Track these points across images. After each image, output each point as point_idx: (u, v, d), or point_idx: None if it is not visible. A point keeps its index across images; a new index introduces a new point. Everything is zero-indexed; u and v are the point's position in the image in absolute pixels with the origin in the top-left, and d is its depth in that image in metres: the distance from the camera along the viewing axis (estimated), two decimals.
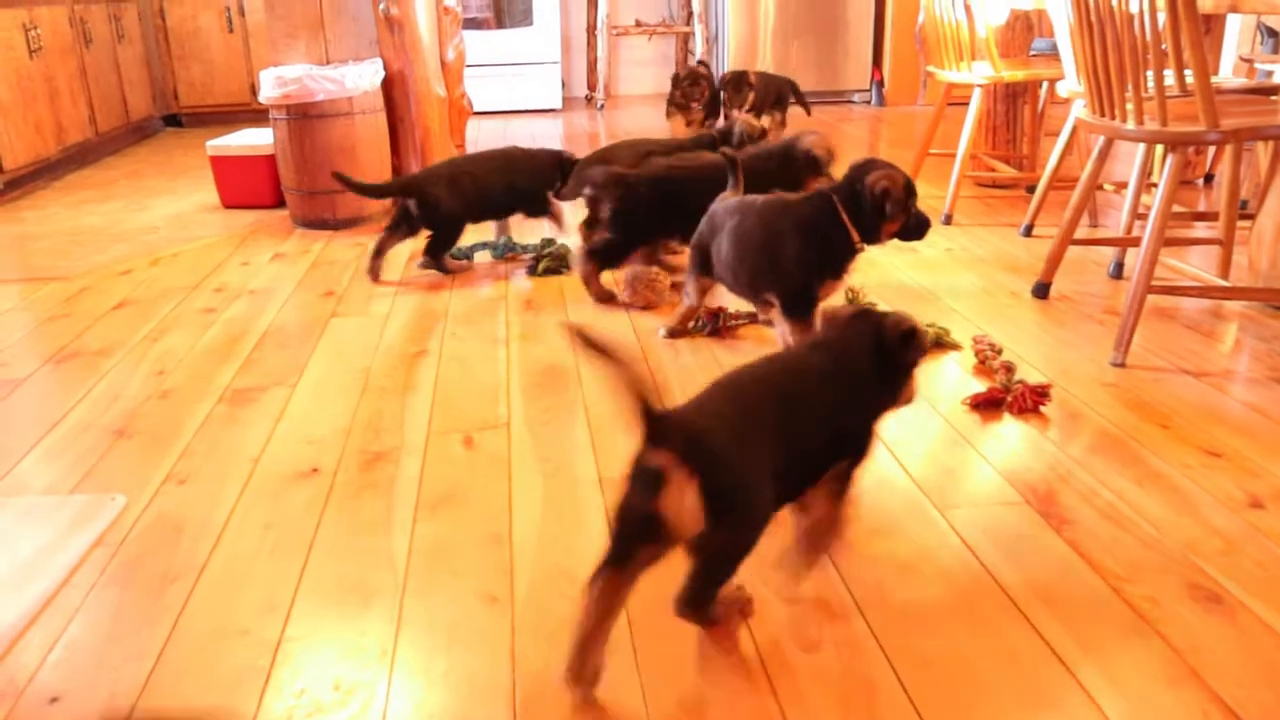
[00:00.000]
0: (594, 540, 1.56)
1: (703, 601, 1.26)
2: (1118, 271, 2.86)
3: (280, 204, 3.77)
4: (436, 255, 2.93)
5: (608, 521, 1.61)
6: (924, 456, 1.81)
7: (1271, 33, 3.86)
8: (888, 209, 2.02)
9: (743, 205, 2.16)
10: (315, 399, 2.11)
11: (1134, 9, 2.13)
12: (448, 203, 2.87)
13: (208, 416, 2.04)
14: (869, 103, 6.61)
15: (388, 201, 3.70)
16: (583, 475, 1.76)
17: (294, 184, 3.57)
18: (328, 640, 1.35)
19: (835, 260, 2.10)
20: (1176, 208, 3.36)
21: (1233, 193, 2.65)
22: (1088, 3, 2.24)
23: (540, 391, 2.11)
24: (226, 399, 2.12)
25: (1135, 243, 2.88)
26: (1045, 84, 3.95)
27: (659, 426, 1.17)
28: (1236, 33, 4.03)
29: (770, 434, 1.27)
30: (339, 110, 3.48)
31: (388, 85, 3.77)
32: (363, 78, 3.52)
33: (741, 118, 3.33)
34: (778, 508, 1.33)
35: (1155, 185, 3.14)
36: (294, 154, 3.51)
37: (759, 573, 1.45)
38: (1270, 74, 3.85)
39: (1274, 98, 2.70)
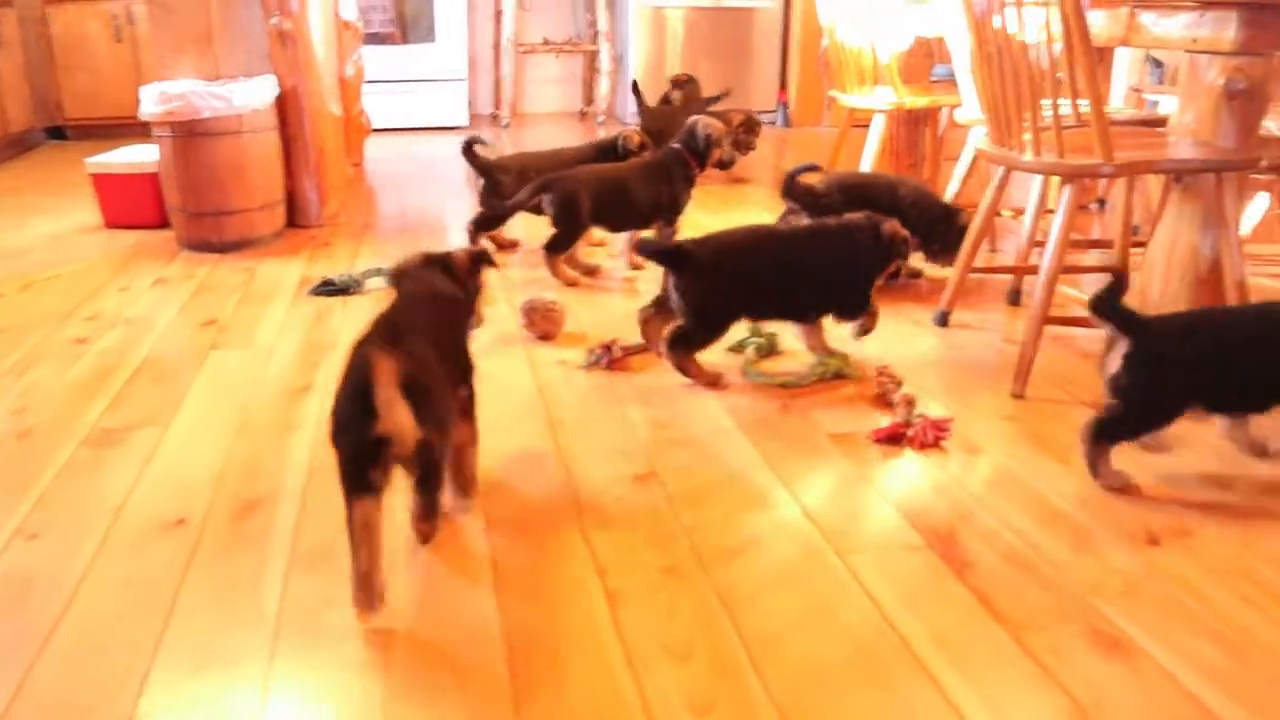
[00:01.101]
0: (480, 598, 1.47)
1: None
2: (1016, 299, 2.87)
3: (166, 224, 3.59)
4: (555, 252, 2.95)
5: (493, 574, 1.52)
6: (825, 496, 1.76)
7: (1158, 64, 3.97)
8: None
9: None
10: (188, 440, 1.98)
11: (1031, 40, 2.13)
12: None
13: (69, 461, 1.90)
14: (775, 123, 6.64)
15: (280, 223, 3.56)
16: (470, 521, 1.67)
17: (179, 204, 3.40)
18: (185, 716, 1.24)
19: None
20: (1073, 235, 3.41)
21: (1126, 221, 2.68)
22: (987, 34, 2.24)
23: None
24: (91, 440, 1.98)
25: (1032, 270, 2.89)
26: (945, 109, 4.00)
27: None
28: (1126, 64, 4.13)
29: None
30: (227, 128, 3.33)
31: (280, 102, 3.62)
32: (253, 94, 3.38)
33: (625, 133, 3.41)
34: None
35: (1052, 211, 3.17)
36: (179, 173, 3.35)
37: (654, 637, 1.38)
38: (1157, 104, 3.95)
39: (1161, 129, 2.75)
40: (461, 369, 1.68)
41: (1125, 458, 1.82)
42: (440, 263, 1.75)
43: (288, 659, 1.34)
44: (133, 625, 1.41)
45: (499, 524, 1.66)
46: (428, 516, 1.48)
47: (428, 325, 1.56)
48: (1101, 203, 4.12)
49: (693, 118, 3.12)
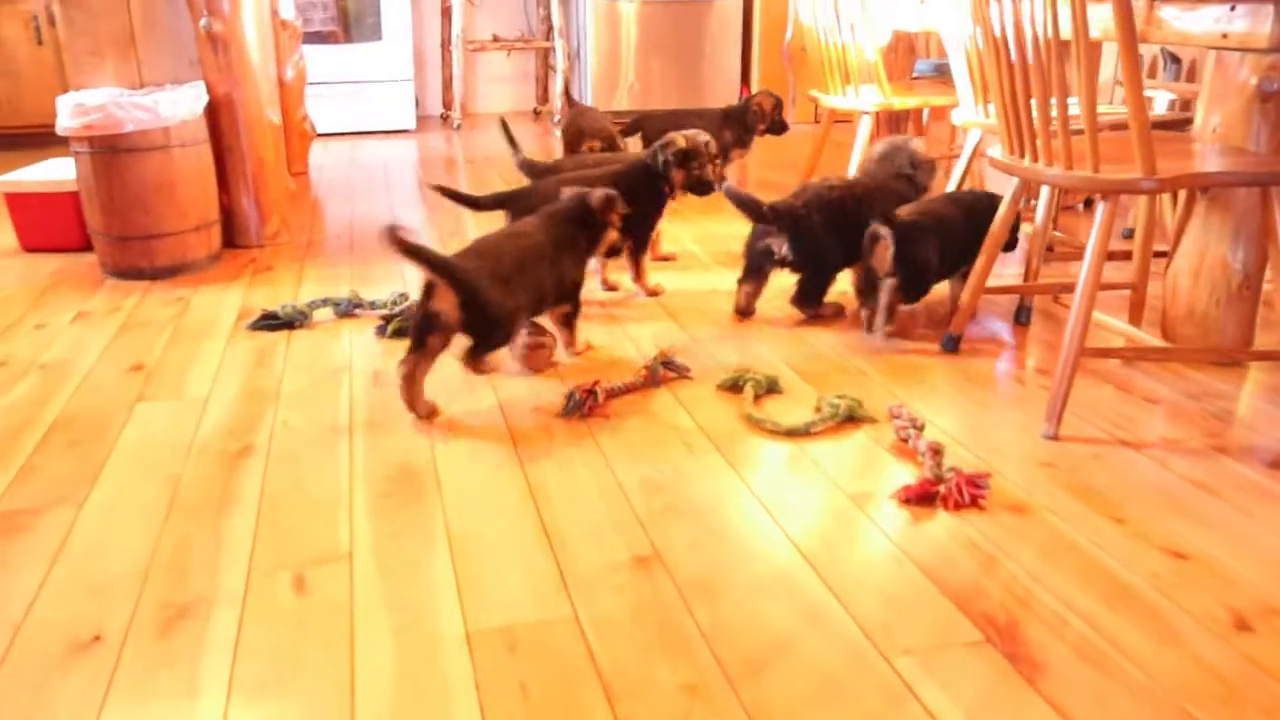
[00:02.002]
0: None
1: (481, 357, 2.08)
2: (1025, 317, 2.65)
3: (90, 246, 3.26)
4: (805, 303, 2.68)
5: (479, 697, 1.26)
6: (859, 579, 1.52)
7: (1175, 60, 3.78)
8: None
9: None
10: (106, 524, 1.68)
11: (1046, 32, 1.90)
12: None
13: None
14: None
15: (216, 245, 3.25)
16: (446, 629, 1.40)
17: (101, 228, 3.07)
18: None
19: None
20: (1069, 241, 3.20)
21: (1148, 236, 2.47)
22: (1005, 34, 2.00)
23: (391, 504, 1.73)
24: None
25: (1046, 290, 2.69)
26: (927, 108, 3.77)
27: (436, 266, 1.96)
28: (1113, 58, 3.94)
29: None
30: (153, 143, 3.01)
31: (212, 112, 3.31)
32: (181, 104, 3.06)
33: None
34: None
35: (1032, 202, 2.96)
36: (100, 193, 3.03)
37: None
38: (1151, 100, 3.76)
39: (1179, 132, 2.54)
40: (565, 287, 2.27)
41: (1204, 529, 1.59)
42: (579, 201, 2.31)
43: None
44: None
45: (481, 635, 1.39)
46: (474, 365, 2.08)
47: (516, 249, 2.14)
48: (1089, 203, 3.93)
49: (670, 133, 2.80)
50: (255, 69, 3.39)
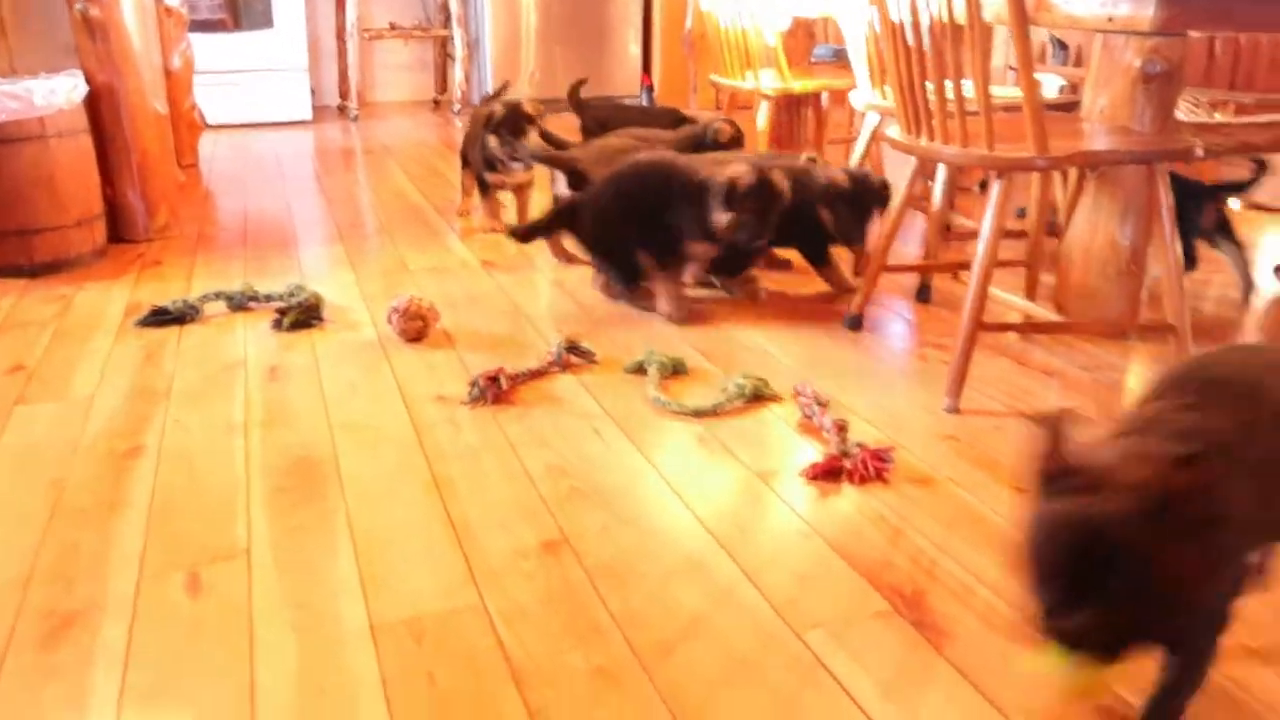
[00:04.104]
0: None
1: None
2: (925, 295, 2.70)
3: None
4: None
5: (385, 690, 1.22)
6: (768, 556, 1.52)
7: (1063, 45, 3.88)
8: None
9: None
10: None
11: (940, 16, 1.93)
12: None
13: None
14: None
15: (101, 240, 3.11)
16: (349, 624, 1.35)
17: None
18: None
19: None
20: (966, 222, 3.27)
21: (1042, 213, 2.53)
22: (900, 17, 2.03)
23: (289, 500, 1.67)
24: None
25: (946, 268, 2.74)
26: (826, 91, 3.81)
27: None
28: (1005, 44, 4.04)
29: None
30: (27, 133, 2.86)
31: (92, 101, 3.16)
32: (56, 93, 2.92)
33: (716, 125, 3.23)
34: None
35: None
36: None
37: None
38: (1040, 84, 3.85)
39: (1068, 114, 2.61)
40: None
41: None
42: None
43: None
44: None
45: (385, 628, 1.35)
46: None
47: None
48: (984, 185, 4.02)
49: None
50: (137, 56, 3.26)
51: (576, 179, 2.87)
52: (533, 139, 3.08)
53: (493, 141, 3.16)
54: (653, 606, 1.39)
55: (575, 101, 3.74)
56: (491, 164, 3.23)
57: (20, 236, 2.92)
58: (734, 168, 2.42)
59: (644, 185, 2.50)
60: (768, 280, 2.80)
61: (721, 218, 2.42)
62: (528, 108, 3.14)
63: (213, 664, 1.28)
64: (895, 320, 2.54)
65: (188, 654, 1.30)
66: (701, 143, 3.06)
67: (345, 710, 1.20)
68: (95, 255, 3.10)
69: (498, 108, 3.17)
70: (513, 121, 3.15)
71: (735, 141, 3.08)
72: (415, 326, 2.35)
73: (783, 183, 2.45)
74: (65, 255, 3.01)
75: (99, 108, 3.19)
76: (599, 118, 3.58)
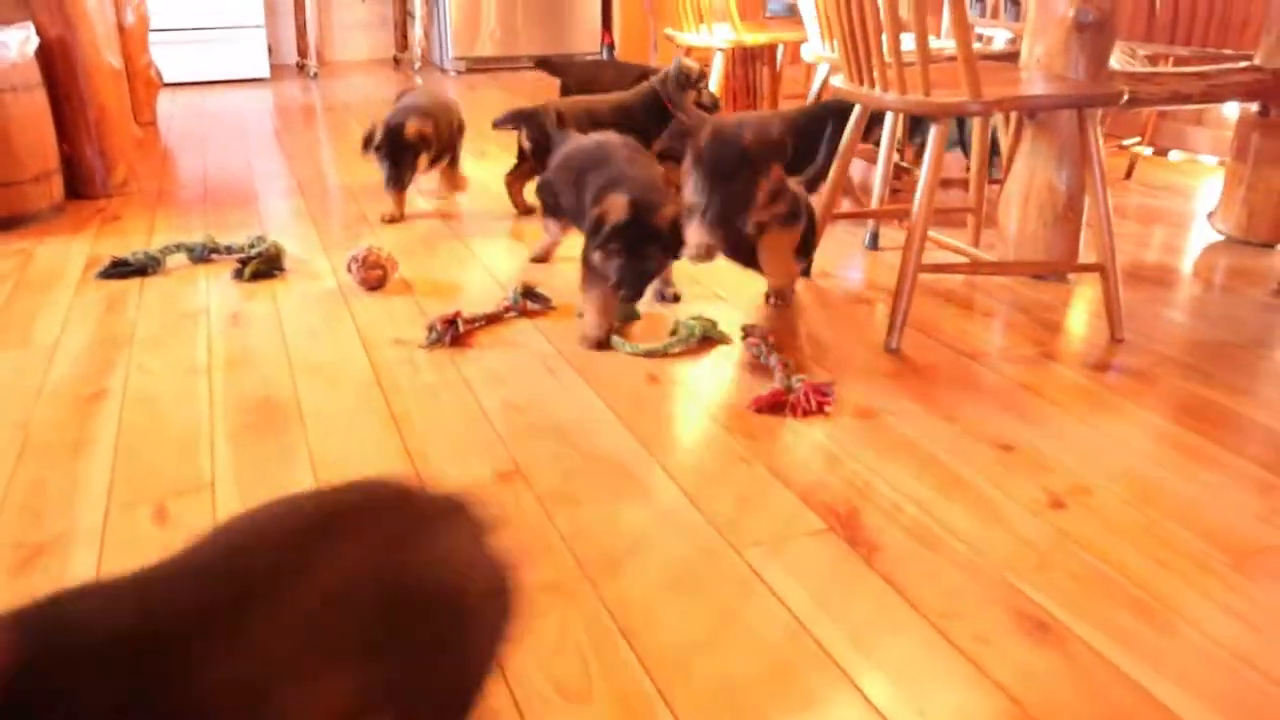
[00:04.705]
0: None
1: None
2: (873, 242, 2.78)
3: None
4: None
5: None
6: (711, 481, 1.60)
7: (1014, 1, 3.95)
8: None
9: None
10: None
11: None
12: None
13: None
14: None
15: (58, 195, 3.12)
16: None
17: None
18: None
19: None
20: (910, 168, 3.34)
21: (982, 161, 2.61)
22: None
23: (252, 436, 1.73)
24: None
25: (890, 215, 2.81)
26: (782, 46, 3.87)
27: None
28: None
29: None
30: None
31: (45, 55, 3.15)
32: (8, 47, 2.91)
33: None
34: None
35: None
36: None
37: (546, 677, 1.19)
38: (990, 39, 3.93)
39: (1006, 64, 2.68)
40: None
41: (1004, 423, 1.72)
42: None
43: None
44: None
45: None
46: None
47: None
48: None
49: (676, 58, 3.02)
50: (90, 9, 3.25)
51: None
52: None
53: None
54: (600, 527, 1.47)
55: (553, 64, 3.79)
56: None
57: None
58: (611, 199, 2.06)
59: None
60: None
61: (592, 252, 2.09)
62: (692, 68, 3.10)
63: None
64: (842, 266, 2.62)
65: None
66: (685, 84, 3.07)
67: None
68: (53, 211, 3.11)
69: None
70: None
71: (703, 76, 3.13)
72: (375, 275, 2.40)
73: (665, 220, 2.05)
74: (23, 211, 3.01)
75: (52, 62, 3.18)
76: (581, 78, 3.62)
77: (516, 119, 2.91)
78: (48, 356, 2.07)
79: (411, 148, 2.93)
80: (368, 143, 2.97)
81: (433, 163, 3.09)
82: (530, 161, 2.90)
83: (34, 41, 3.04)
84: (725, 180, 2.02)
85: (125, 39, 4.07)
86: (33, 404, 1.86)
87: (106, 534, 1.46)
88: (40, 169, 3.05)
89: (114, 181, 3.37)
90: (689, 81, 3.01)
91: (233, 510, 1.49)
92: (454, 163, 3.22)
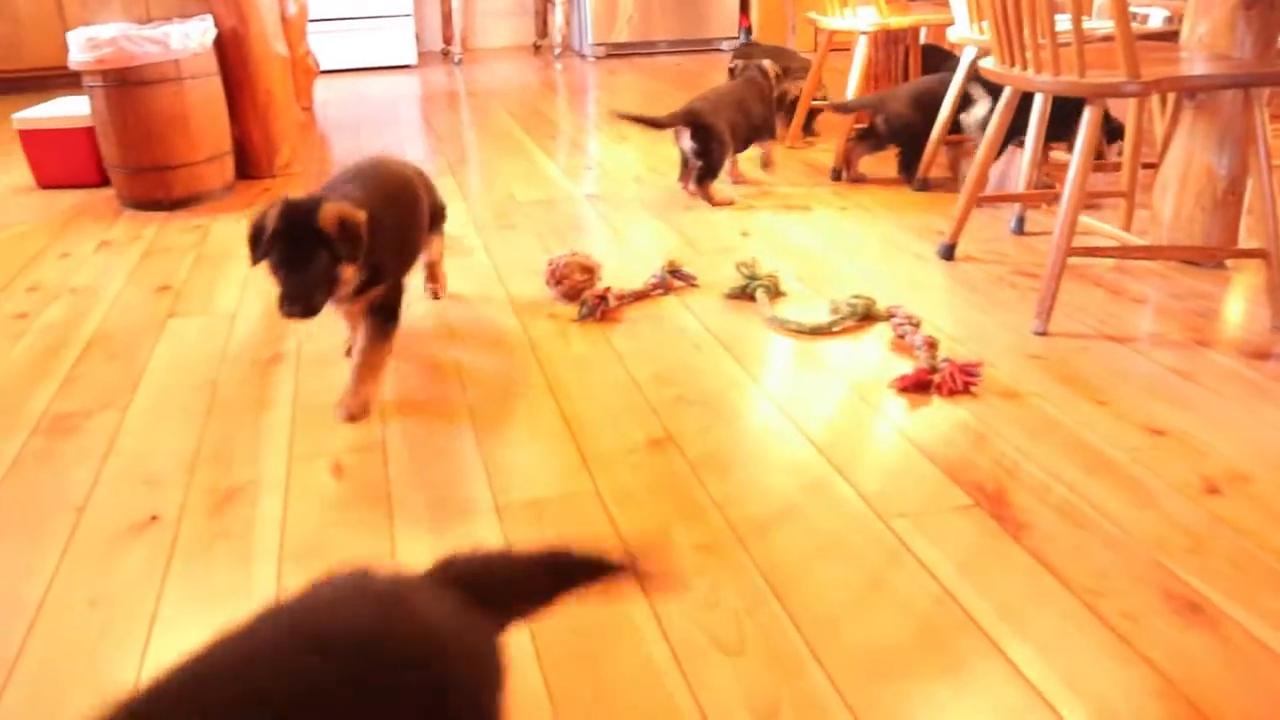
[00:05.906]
0: None
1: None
2: (1019, 227, 2.74)
3: (107, 182, 3.34)
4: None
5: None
6: (858, 455, 1.63)
7: None
8: None
9: None
10: (152, 424, 1.79)
11: None
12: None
13: (19, 454, 1.71)
14: None
15: (230, 176, 3.33)
16: (477, 501, 1.51)
17: (118, 160, 3.15)
18: None
19: None
20: (1062, 156, 3.27)
21: (1136, 144, 2.55)
22: None
23: (418, 401, 1.84)
24: (43, 429, 1.79)
25: (1037, 199, 2.77)
26: (925, 30, 3.82)
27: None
28: None
29: None
30: (165, 75, 3.07)
31: (220, 45, 3.36)
32: (190, 37, 3.12)
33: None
34: None
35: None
36: (115, 126, 3.10)
37: (701, 630, 1.25)
38: (1147, 17, 3.80)
39: (1166, 43, 2.60)
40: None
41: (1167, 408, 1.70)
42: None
43: None
44: (106, 652, 1.24)
45: (510, 507, 1.51)
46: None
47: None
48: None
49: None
50: (261, 3, 3.44)
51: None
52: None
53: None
54: (749, 494, 1.52)
55: (741, 50, 4.07)
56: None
57: (159, 172, 3.15)
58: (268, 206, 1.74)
59: None
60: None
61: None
62: None
63: (358, 531, 1.45)
64: (989, 250, 2.60)
65: (335, 525, 1.47)
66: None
67: None
68: (225, 190, 3.32)
69: None
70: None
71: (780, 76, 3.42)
72: (576, 282, 2.26)
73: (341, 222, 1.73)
74: (199, 190, 3.23)
75: (226, 51, 3.39)
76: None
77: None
78: (228, 323, 2.23)
79: None
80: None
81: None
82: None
83: (212, 32, 3.24)
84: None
85: (287, 29, 4.29)
86: (218, 366, 2.02)
87: (290, 483, 1.58)
88: (214, 150, 3.26)
89: (279, 163, 3.57)
90: None
91: (402, 466, 1.60)
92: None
